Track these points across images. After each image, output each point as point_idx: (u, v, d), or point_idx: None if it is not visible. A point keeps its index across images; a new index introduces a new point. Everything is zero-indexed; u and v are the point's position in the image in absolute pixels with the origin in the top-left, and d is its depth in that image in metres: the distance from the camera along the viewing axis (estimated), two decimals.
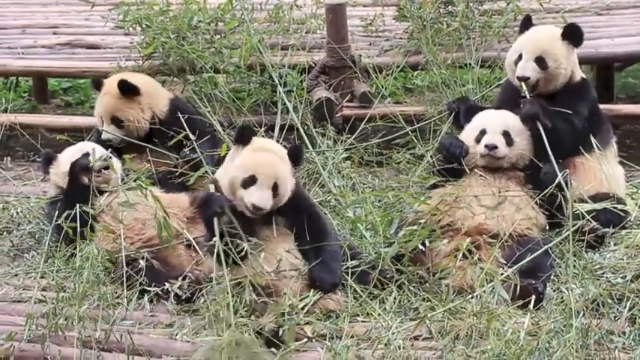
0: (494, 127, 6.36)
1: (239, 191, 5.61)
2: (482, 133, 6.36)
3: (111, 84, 7.13)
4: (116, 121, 7.03)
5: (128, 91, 7.05)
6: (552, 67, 6.58)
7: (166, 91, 7.40)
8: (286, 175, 5.70)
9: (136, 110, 7.06)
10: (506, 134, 6.33)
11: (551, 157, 6.16)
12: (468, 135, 6.45)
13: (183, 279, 5.77)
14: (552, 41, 6.61)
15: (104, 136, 6.98)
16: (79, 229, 5.87)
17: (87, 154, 6.41)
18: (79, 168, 6.36)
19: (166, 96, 7.28)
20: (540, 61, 6.56)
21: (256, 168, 5.60)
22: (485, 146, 6.28)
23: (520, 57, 6.62)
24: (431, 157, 6.45)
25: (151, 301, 5.82)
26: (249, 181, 5.60)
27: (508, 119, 6.42)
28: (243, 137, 5.71)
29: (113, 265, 5.97)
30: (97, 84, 7.21)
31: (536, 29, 6.81)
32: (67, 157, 6.58)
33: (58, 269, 6.15)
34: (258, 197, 5.57)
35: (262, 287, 5.45)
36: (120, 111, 7.04)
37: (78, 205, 5.95)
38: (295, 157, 5.77)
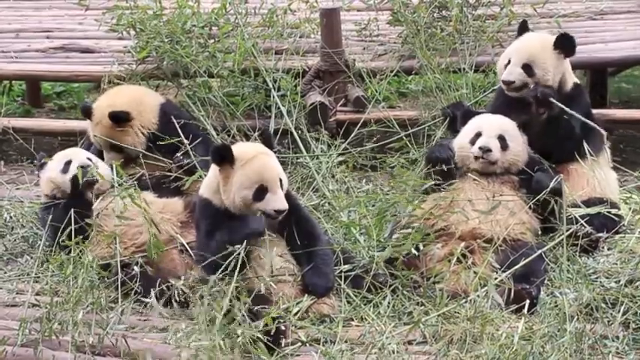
0: (489, 130, 6.36)
1: (254, 206, 5.63)
2: (478, 135, 6.36)
3: (102, 113, 6.94)
4: (116, 148, 6.97)
5: (120, 119, 6.94)
6: (539, 75, 6.60)
7: (154, 97, 7.22)
8: (280, 167, 5.75)
9: (132, 135, 6.94)
10: (502, 138, 6.33)
11: (543, 161, 6.21)
12: (463, 137, 6.44)
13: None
14: (543, 49, 6.64)
15: (107, 162, 6.84)
16: (73, 240, 5.86)
17: (69, 163, 6.47)
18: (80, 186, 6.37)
19: (155, 103, 7.10)
20: (527, 68, 6.59)
21: (260, 177, 5.62)
22: (480, 148, 6.28)
23: (509, 62, 6.64)
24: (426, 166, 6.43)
25: (144, 306, 5.82)
26: (261, 192, 5.62)
27: (505, 124, 6.42)
28: (225, 157, 5.66)
29: (106, 271, 5.95)
30: (87, 112, 7.01)
31: (529, 36, 6.84)
32: (54, 164, 6.57)
33: (51, 274, 6.14)
34: (277, 202, 5.61)
35: (257, 292, 5.46)
36: (116, 139, 6.92)
37: (73, 217, 5.97)
38: (269, 143, 5.81)
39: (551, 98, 6.43)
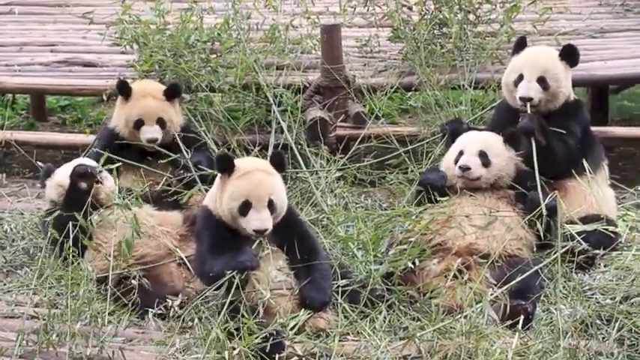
0: (470, 148, 6.37)
1: (239, 220, 5.65)
2: (460, 154, 6.38)
3: (152, 87, 7.20)
4: (161, 122, 7.08)
5: (174, 95, 7.16)
6: (554, 87, 6.63)
7: None
8: (277, 187, 5.72)
9: (176, 112, 7.17)
10: (483, 155, 6.33)
11: (537, 179, 6.20)
12: (449, 157, 6.47)
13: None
14: (553, 61, 6.68)
15: (151, 135, 7.01)
16: (71, 240, 5.90)
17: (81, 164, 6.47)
18: (78, 174, 6.38)
19: None
20: (542, 81, 6.61)
21: (247, 193, 5.63)
22: (459, 167, 6.30)
23: (520, 77, 6.66)
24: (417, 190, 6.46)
25: (142, 318, 5.85)
26: (245, 207, 5.63)
27: (488, 140, 6.42)
28: (225, 166, 5.72)
29: (104, 283, 5.99)
30: (124, 87, 7.14)
31: (534, 50, 6.88)
32: (63, 170, 6.61)
33: (50, 286, 6.17)
34: (257, 220, 5.61)
35: (254, 306, 5.49)
36: (165, 112, 7.09)
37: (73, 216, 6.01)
38: (279, 164, 5.79)
39: (534, 130, 6.44)
